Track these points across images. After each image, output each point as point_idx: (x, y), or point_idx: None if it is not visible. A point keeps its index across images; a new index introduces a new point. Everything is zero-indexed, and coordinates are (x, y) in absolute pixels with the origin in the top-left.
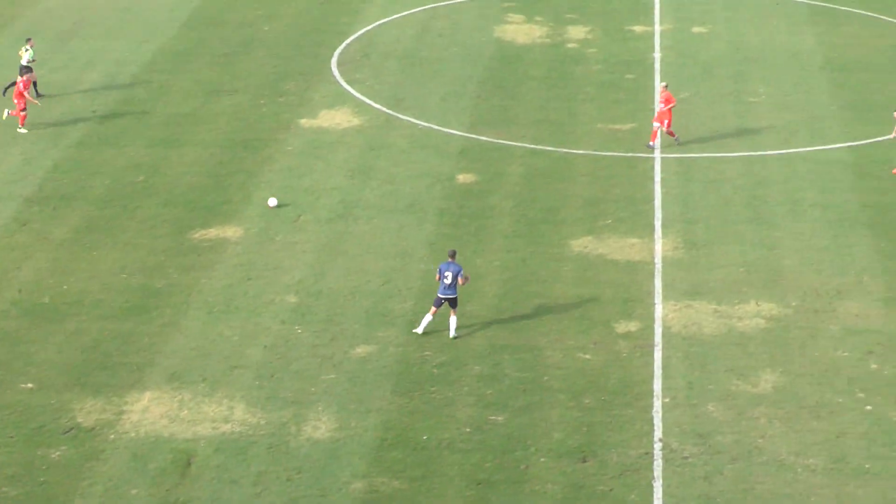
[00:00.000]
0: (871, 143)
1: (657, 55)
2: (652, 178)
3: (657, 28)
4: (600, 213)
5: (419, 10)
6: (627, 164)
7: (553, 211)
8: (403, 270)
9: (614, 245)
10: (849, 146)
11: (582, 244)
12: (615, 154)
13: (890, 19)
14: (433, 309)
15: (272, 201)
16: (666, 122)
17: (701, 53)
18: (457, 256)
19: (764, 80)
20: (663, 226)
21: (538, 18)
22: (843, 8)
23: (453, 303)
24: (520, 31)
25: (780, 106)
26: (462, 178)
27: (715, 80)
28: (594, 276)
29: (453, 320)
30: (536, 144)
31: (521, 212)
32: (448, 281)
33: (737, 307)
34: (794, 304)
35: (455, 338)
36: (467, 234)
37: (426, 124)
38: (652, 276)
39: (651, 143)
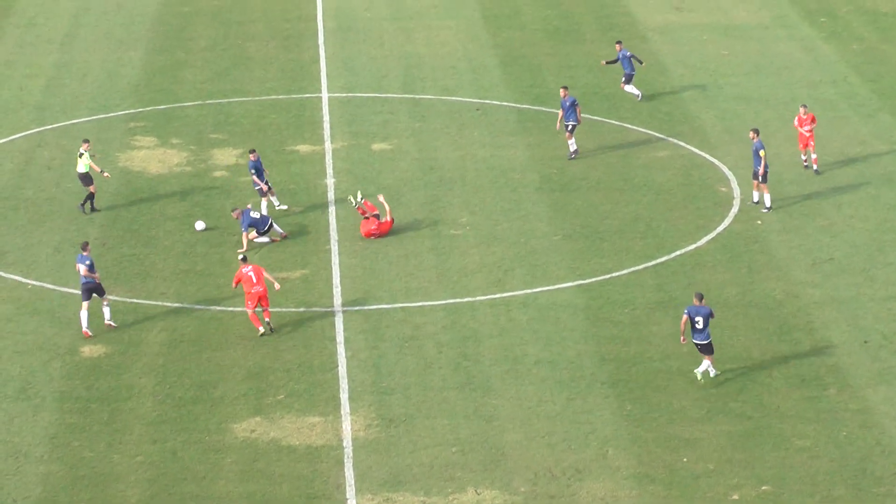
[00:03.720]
0: (604, 279)
1: (330, 181)
2: (333, 339)
3: (328, 147)
4: (269, 386)
5: (19, 137)
6: (300, 322)
7: (208, 387)
8: (17, 475)
9: (290, 427)
10: (577, 285)
11: (247, 428)
12: (283, 310)
13: (614, 122)
14: (708, 357)
15: (199, 225)
16: None
17: (385, 176)
18: (703, 300)
19: (467, 207)
20: (351, 399)
21: (175, 141)
22: (557, 111)
23: (705, 348)
24: (152, 157)
25: (489, 238)
26: (87, 350)
27: (405, 209)
28: (266, 469)
29: (705, 363)
30: (181, 302)
31: (166, 390)
32: (700, 326)
33: (451, 498)
34: (522, 489)
35: (715, 375)
36: (98, 423)
37: (37, 283)
38: (341, 463)
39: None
